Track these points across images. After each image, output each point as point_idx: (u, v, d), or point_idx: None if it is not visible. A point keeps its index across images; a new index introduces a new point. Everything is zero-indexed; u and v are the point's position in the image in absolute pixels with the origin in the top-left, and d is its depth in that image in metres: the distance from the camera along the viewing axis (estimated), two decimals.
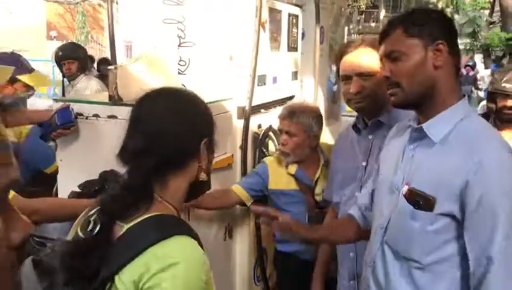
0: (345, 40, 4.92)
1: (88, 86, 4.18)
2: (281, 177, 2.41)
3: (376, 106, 1.86)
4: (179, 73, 2.57)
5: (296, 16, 3.15)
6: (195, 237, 1.08)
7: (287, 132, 2.34)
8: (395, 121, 1.74)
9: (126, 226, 1.04)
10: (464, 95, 1.45)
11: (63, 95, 4.29)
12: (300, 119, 2.36)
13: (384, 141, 1.84)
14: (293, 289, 2.49)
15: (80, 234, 1.07)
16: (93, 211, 1.10)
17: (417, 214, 1.33)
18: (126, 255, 0.99)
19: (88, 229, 1.05)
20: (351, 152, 2.00)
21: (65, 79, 4.33)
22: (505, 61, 16.27)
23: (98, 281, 0.99)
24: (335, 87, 4.60)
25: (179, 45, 2.56)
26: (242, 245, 2.67)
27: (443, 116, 1.37)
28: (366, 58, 1.85)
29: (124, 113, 2.18)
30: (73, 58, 4.20)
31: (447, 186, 1.28)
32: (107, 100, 2.21)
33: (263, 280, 2.82)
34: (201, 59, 2.54)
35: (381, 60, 1.48)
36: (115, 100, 2.17)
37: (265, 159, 2.56)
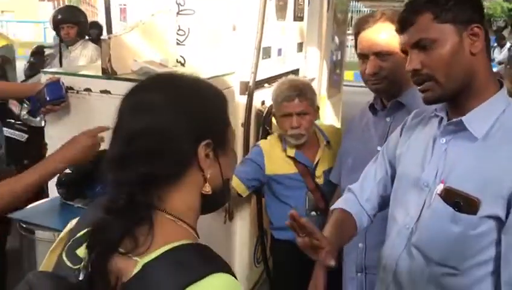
0: (349, 7, 4.71)
1: (82, 53, 3.98)
2: (278, 161, 2.24)
3: (395, 87, 1.71)
4: (178, 43, 2.38)
5: None
6: (230, 270, 0.83)
7: (299, 113, 2.15)
8: (416, 103, 1.59)
9: (141, 262, 0.79)
10: (502, 83, 1.28)
11: (60, 61, 4.06)
12: (308, 95, 2.18)
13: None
14: (291, 277, 2.35)
15: (68, 263, 0.85)
16: (82, 232, 0.88)
17: (458, 217, 1.19)
18: None
19: (78, 266, 0.82)
20: (365, 134, 1.84)
21: (62, 44, 4.10)
22: (506, 32, 15.98)
23: None
24: (334, 56, 4.41)
25: (178, 12, 2.35)
26: (242, 228, 2.55)
27: (484, 109, 1.21)
28: (384, 36, 1.67)
29: (118, 88, 2.02)
30: (72, 23, 3.97)
31: (494, 186, 1.14)
32: (100, 73, 2.03)
33: (263, 261, 2.72)
34: (201, 29, 2.34)
35: (403, 51, 1.30)
36: (108, 73, 1.99)
37: (258, 143, 2.37)
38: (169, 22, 2.34)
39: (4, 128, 3.31)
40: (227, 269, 0.81)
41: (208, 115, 0.91)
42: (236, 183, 2.21)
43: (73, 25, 3.96)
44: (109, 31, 2.64)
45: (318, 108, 2.31)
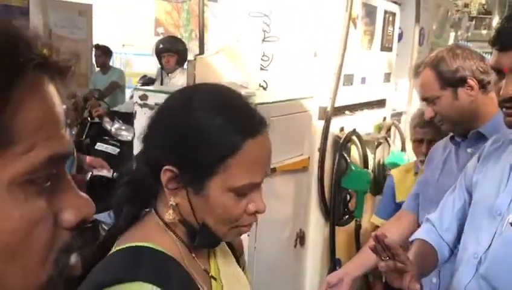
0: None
1: (181, 80, 4.26)
2: (406, 187, 2.26)
3: (460, 123, 1.67)
4: (261, 68, 2.48)
5: (393, 14, 2.91)
6: (159, 281, 0.77)
7: (429, 140, 2.16)
8: (497, 133, 1.50)
9: (112, 252, 0.84)
10: None
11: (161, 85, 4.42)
12: (437, 125, 2.22)
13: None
14: None
15: None
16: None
17: None
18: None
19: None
20: (447, 166, 1.79)
21: (163, 71, 4.44)
22: None
23: None
24: None
25: (263, 40, 2.46)
26: (314, 254, 2.51)
27: None
28: (424, 84, 1.69)
29: None
30: (172, 52, 4.25)
31: None
32: None
33: None
34: (284, 55, 2.42)
35: (500, 72, 1.21)
36: None
37: (390, 172, 2.47)
38: (254, 47, 2.45)
39: (99, 144, 3.66)
40: (158, 280, 0.77)
41: (186, 146, 0.80)
42: (378, 221, 2.36)
43: (173, 54, 4.24)
44: (201, 52, 2.83)
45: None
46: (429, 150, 2.13)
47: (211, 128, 0.79)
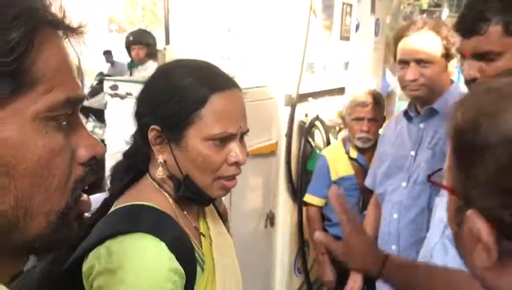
0: None
1: (150, 70, 4.22)
2: (340, 164, 2.39)
3: (432, 95, 1.76)
4: (229, 58, 2.56)
5: (350, 5, 3.07)
6: (160, 233, 0.86)
7: (370, 119, 2.30)
8: (448, 108, 1.63)
9: (113, 209, 0.95)
10: None
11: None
12: (382, 103, 2.37)
13: (437, 129, 1.74)
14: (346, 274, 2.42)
15: None
16: None
17: None
18: (88, 241, 0.87)
19: None
20: (399, 140, 1.90)
21: (133, 64, 4.43)
22: None
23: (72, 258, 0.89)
24: (389, 88, 4.46)
25: (229, 30, 2.55)
26: (284, 233, 2.63)
27: None
28: (427, 44, 1.71)
29: None
30: (142, 44, 4.30)
31: None
32: None
33: (304, 272, 2.77)
34: (249, 44, 2.51)
35: (463, 55, 1.26)
36: None
37: (321, 153, 2.53)
38: (220, 37, 2.54)
39: None
40: (155, 231, 0.86)
41: (165, 105, 0.92)
42: (311, 200, 2.42)
43: (143, 46, 4.27)
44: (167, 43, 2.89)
45: (385, 118, 2.42)
46: (369, 128, 2.28)
47: (183, 85, 0.93)
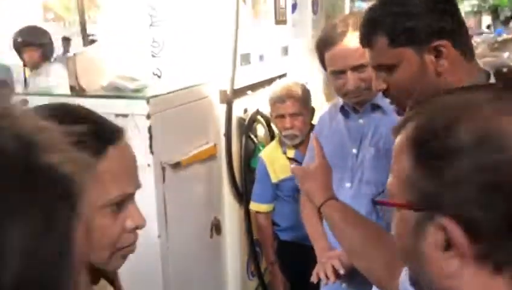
0: (346, 10, 4.59)
1: (50, 75, 3.55)
2: (280, 166, 2.24)
3: (374, 94, 1.62)
4: (153, 56, 2.33)
5: None
6: None
7: (292, 114, 2.16)
8: (388, 103, 1.52)
9: None
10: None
11: (25, 86, 3.76)
12: (300, 96, 2.21)
13: (379, 124, 1.61)
14: (300, 277, 2.29)
15: None
16: None
17: None
18: None
19: None
20: (337, 138, 1.74)
21: (25, 68, 3.81)
22: None
23: None
24: None
25: (151, 25, 2.30)
26: (233, 239, 2.46)
27: None
28: (357, 49, 1.51)
29: (88, 105, 1.97)
30: (35, 45, 3.62)
31: None
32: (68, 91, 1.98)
33: (257, 275, 2.63)
34: (176, 39, 2.28)
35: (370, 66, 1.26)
36: (77, 91, 1.94)
37: (259, 154, 2.37)
38: (142, 34, 2.29)
39: None
40: None
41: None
42: (258, 208, 2.31)
43: (36, 48, 3.62)
44: (85, 44, 2.60)
45: (314, 109, 2.29)
46: (292, 123, 2.16)
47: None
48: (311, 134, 1.23)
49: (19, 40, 3.66)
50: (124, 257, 0.80)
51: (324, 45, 1.61)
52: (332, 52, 1.59)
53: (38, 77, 3.61)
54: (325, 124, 1.81)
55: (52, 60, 3.74)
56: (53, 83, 3.37)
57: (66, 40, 4.83)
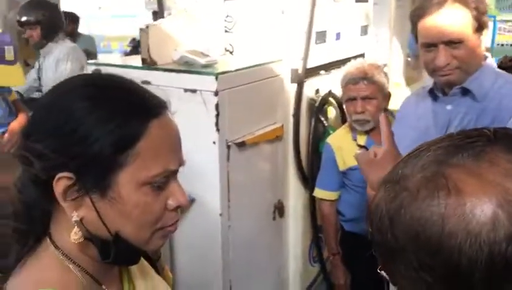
0: None
1: (62, 53, 3.18)
2: (347, 153, 2.09)
3: (467, 76, 1.47)
4: (226, 31, 2.28)
5: None
6: None
7: (364, 97, 2.01)
8: (483, 88, 1.43)
9: None
10: None
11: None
12: (376, 78, 2.04)
13: (468, 112, 1.46)
14: (362, 270, 2.20)
15: None
16: None
17: None
18: None
19: None
20: (422, 123, 1.60)
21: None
22: None
23: None
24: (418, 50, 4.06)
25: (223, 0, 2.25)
26: (296, 223, 2.40)
27: None
28: (454, 21, 1.42)
29: (158, 78, 1.97)
30: (32, 23, 3.15)
31: None
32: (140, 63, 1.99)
33: (319, 262, 2.56)
34: (249, 15, 2.21)
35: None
36: (149, 64, 1.94)
37: (326, 140, 2.24)
38: (216, 8, 2.24)
39: None
40: None
41: (82, 141, 0.66)
42: (322, 195, 2.20)
43: (34, 26, 3.15)
44: (161, 16, 2.61)
45: (390, 94, 2.13)
46: (364, 107, 2.00)
47: (111, 112, 0.68)
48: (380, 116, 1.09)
49: (17, 18, 3.22)
50: (165, 237, 0.76)
51: (418, 14, 1.47)
52: (425, 22, 1.45)
53: (49, 58, 3.21)
54: (410, 108, 1.67)
55: (59, 37, 3.25)
56: (64, 65, 3.12)
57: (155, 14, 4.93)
